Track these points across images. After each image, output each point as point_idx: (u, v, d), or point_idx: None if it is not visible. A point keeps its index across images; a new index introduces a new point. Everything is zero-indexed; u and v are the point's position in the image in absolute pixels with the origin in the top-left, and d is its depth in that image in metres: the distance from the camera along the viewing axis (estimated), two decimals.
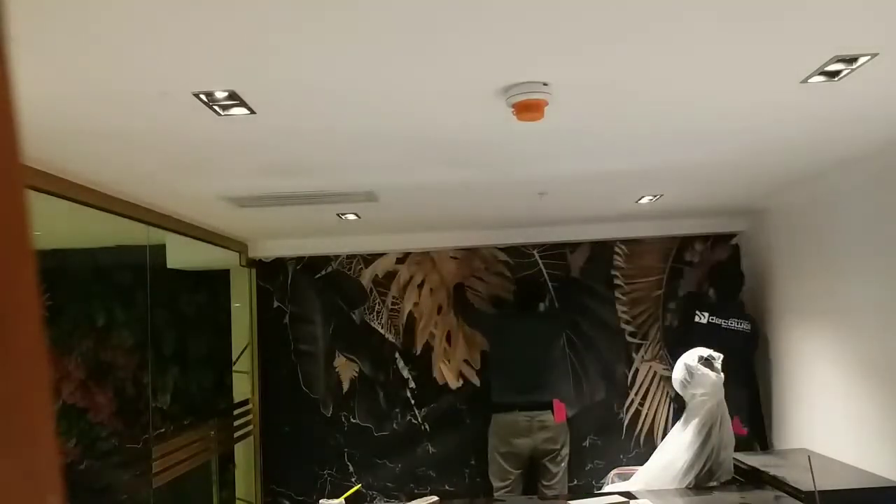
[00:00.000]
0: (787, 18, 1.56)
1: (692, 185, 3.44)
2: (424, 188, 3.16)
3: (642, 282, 4.64)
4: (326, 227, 4.07)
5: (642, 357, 4.60)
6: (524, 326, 4.29)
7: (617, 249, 4.65)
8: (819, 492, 2.39)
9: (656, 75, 1.87)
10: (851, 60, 1.82)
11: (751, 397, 4.18)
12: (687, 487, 2.88)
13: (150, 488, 3.35)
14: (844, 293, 3.30)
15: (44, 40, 1.46)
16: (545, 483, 4.09)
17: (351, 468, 4.55)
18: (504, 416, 4.09)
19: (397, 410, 4.59)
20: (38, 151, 2.22)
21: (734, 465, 3.02)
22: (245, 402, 4.60)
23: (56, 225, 2.90)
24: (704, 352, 3.00)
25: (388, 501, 4.37)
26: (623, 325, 4.62)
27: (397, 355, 4.64)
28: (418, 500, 2.93)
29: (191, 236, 3.75)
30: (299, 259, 4.65)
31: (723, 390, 2.96)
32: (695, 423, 2.93)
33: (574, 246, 4.62)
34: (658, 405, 4.56)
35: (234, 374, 4.67)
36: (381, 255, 4.66)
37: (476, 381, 4.60)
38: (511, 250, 4.64)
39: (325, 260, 4.66)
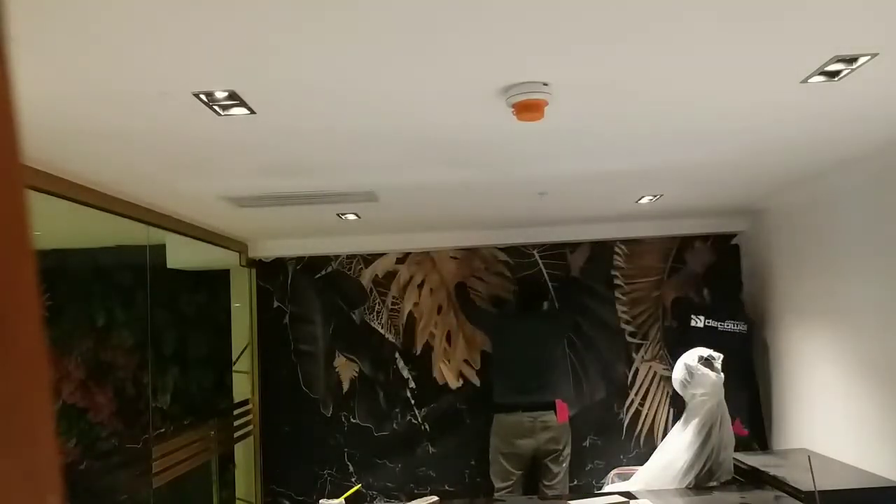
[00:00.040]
0: (787, 18, 1.56)
1: (692, 185, 3.44)
2: (424, 188, 3.16)
3: (642, 282, 4.64)
4: (326, 227, 4.07)
5: (642, 357, 4.60)
6: (527, 326, 4.28)
7: (617, 249, 4.65)
8: (819, 492, 2.39)
9: (656, 75, 1.87)
10: (851, 60, 1.82)
11: (751, 398, 4.19)
12: (687, 487, 2.88)
13: (150, 488, 3.35)
14: (844, 293, 3.30)
15: (44, 40, 1.46)
16: (546, 483, 4.09)
17: (351, 468, 4.55)
18: (507, 417, 4.08)
19: (397, 410, 4.59)
20: (38, 151, 2.22)
21: (734, 465, 3.02)
22: (245, 402, 4.60)
23: (56, 225, 2.90)
24: (704, 352, 3.00)
25: (388, 501, 4.37)
26: (623, 325, 4.62)
27: (397, 355, 4.64)
28: (418, 500, 2.93)
29: (191, 236, 3.75)
30: (299, 259, 4.65)
31: (723, 390, 2.96)
32: (695, 423, 2.93)
33: (574, 246, 4.62)
34: (658, 405, 4.56)
35: (234, 374, 4.67)
36: (381, 255, 4.66)
37: (476, 381, 4.60)
38: (511, 250, 4.64)
39: (325, 260, 4.66)
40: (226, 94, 1.81)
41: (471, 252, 4.65)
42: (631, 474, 3.36)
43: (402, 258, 4.67)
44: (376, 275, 4.67)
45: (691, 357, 3.01)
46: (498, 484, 4.10)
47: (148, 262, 3.53)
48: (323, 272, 4.67)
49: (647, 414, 4.56)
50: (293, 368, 4.62)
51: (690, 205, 4.02)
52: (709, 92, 2.05)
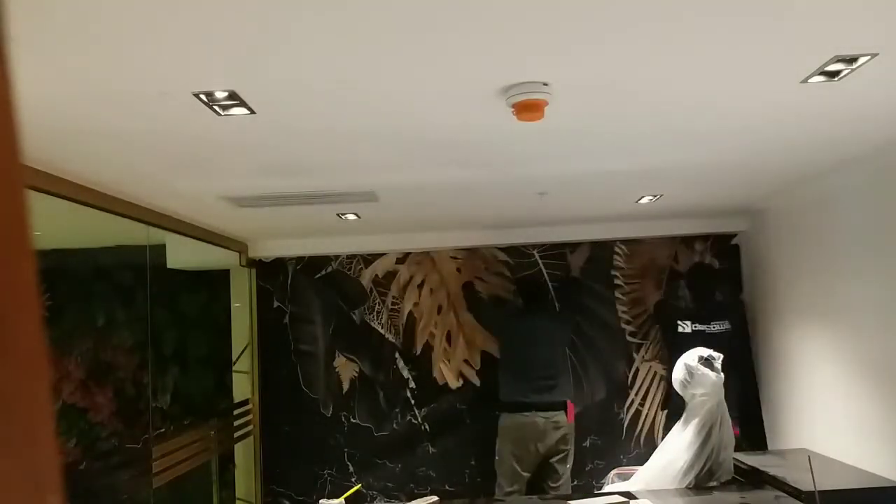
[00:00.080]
0: (787, 18, 1.56)
1: (692, 185, 3.44)
2: (424, 188, 3.16)
3: (643, 282, 4.64)
4: (326, 227, 4.07)
5: (643, 357, 4.60)
6: (534, 325, 4.26)
7: (617, 249, 4.65)
8: (819, 492, 2.39)
9: (656, 75, 1.88)
10: (851, 60, 1.82)
11: (746, 398, 4.18)
12: (687, 487, 2.88)
13: (150, 488, 3.35)
14: (844, 293, 3.30)
15: (44, 40, 1.46)
16: (552, 484, 4.06)
17: (351, 468, 4.55)
18: (520, 418, 4.02)
19: (397, 410, 4.59)
20: (38, 151, 2.22)
21: (734, 465, 3.02)
22: (245, 402, 4.60)
23: (56, 225, 2.90)
24: (704, 352, 3.00)
25: (388, 501, 4.37)
26: (623, 325, 4.62)
27: (397, 355, 4.64)
28: (418, 500, 2.93)
29: (191, 236, 3.75)
30: (299, 259, 4.65)
31: (723, 390, 2.96)
32: (695, 423, 2.93)
33: (574, 246, 4.62)
34: (658, 405, 4.56)
35: (234, 374, 4.67)
36: (381, 255, 4.66)
37: (476, 381, 4.60)
38: (511, 250, 4.64)
39: (325, 260, 4.66)
40: (226, 94, 1.81)
41: (471, 252, 4.65)
42: (631, 474, 3.36)
43: (402, 258, 4.67)
44: (376, 275, 4.67)
45: (691, 357, 3.01)
46: (506, 487, 4.03)
47: (148, 262, 3.53)
48: (323, 272, 4.67)
49: (647, 414, 4.56)
50: (293, 368, 4.62)
51: (690, 205, 4.02)
52: (709, 92, 2.05)
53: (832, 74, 1.91)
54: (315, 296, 4.66)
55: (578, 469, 4.46)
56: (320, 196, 3.15)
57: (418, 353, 4.64)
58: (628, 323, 4.63)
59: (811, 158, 2.99)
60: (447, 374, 4.61)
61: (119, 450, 3.37)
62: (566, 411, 4.11)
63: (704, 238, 4.61)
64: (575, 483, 4.39)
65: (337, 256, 4.65)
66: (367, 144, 2.42)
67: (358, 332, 4.65)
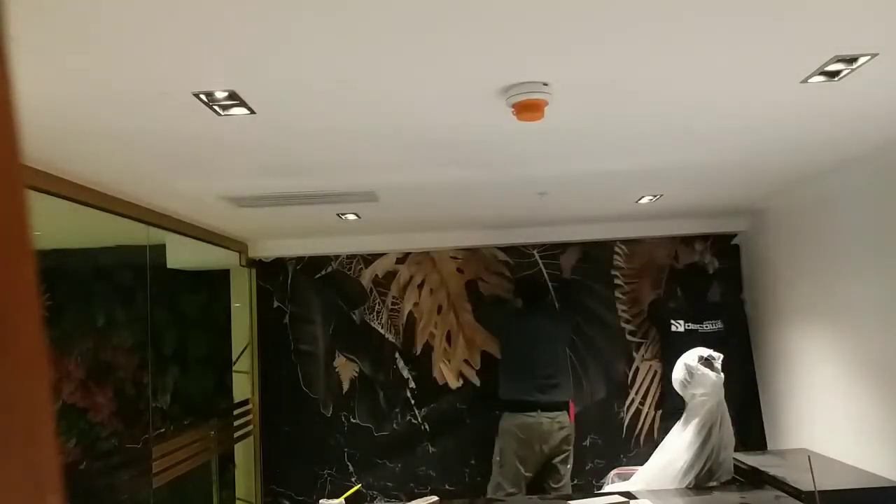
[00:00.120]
0: (787, 18, 1.56)
1: (692, 185, 3.44)
2: (424, 188, 3.16)
3: (642, 282, 4.64)
4: (326, 227, 4.07)
5: (643, 356, 4.60)
6: (535, 325, 4.25)
7: (617, 249, 4.65)
8: (819, 492, 2.39)
9: (656, 75, 1.88)
10: (851, 60, 1.82)
11: (743, 397, 4.18)
12: (687, 487, 2.88)
13: (150, 488, 3.35)
14: (844, 293, 3.30)
15: (44, 40, 1.46)
16: (554, 485, 4.04)
17: (351, 468, 4.55)
18: (524, 418, 4.00)
19: (397, 410, 4.59)
20: (38, 151, 2.22)
21: (734, 465, 3.02)
22: (245, 402, 4.60)
23: (56, 225, 2.90)
24: (704, 352, 3.00)
25: (388, 501, 4.37)
26: (623, 325, 4.62)
27: (397, 355, 4.64)
28: (418, 500, 2.93)
29: (191, 236, 3.75)
30: (299, 259, 4.65)
31: (723, 390, 2.96)
32: (695, 423, 2.93)
33: (564, 247, 4.62)
34: (654, 404, 4.56)
35: (234, 374, 4.68)
36: (381, 255, 4.66)
37: (476, 381, 4.60)
38: (511, 250, 4.64)
39: (325, 260, 4.66)
40: (226, 94, 1.81)
41: (471, 252, 4.65)
42: (631, 474, 3.36)
43: (402, 258, 4.67)
44: (376, 275, 4.67)
45: (691, 357, 3.01)
46: (508, 488, 3.99)
47: (148, 262, 3.53)
48: (323, 272, 4.67)
49: (647, 413, 4.56)
50: (293, 368, 4.62)
51: (690, 205, 4.02)
52: (709, 92, 2.05)
53: (832, 74, 1.91)
54: (315, 296, 4.66)
55: (578, 469, 4.46)
56: (320, 196, 3.15)
57: (418, 353, 4.64)
58: (628, 322, 4.63)
59: (811, 158, 2.99)
60: (447, 374, 4.61)
61: (119, 450, 3.37)
62: (568, 411, 4.11)
63: (704, 238, 4.61)
64: (575, 483, 4.39)
65: (337, 256, 4.65)
66: (367, 144, 2.42)
67: (358, 332, 4.65)
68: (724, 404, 2.97)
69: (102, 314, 3.42)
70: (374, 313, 4.66)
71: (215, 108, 1.90)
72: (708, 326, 4.22)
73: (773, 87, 2.01)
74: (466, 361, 4.63)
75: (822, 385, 3.60)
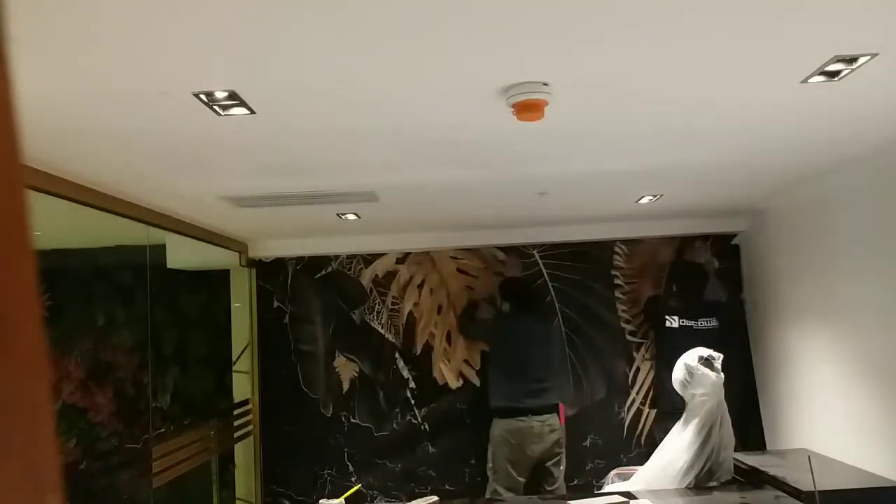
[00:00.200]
0: (787, 18, 1.56)
1: (692, 185, 3.44)
2: (424, 188, 3.16)
3: (642, 281, 4.64)
4: (326, 227, 4.07)
5: (643, 356, 4.60)
6: (524, 328, 4.24)
7: (617, 249, 4.65)
8: (819, 492, 2.39)
9: (656, 75, 1.88)
10: (851, 60, 1.82)
11: (742, 398, 4.18)
12: (687, 487, 2.88)
13: (150, 488, 3.35)
14: (844, 293, 3.30)
15: (44, 40, 1.46)
16: (548, 488, 4.02)
17: (351, 468, 4.55)
18: (514, 423, 3.98)
19: (397, 410, 4.59)
20: (38, 151, 2.22)
21: (734, 465, 3.02)
22: (245, 402, 4.60)
23: (56, 225, 2.90)
24: (704, 352, 3.00)
25: (388, 501, 4.37)
26: (623, 325, 4.62)
27: (397, 355, 4.64)
28: (418, 500, 2.93)
29: (191, 236, 3.75)
30: (299, 259, 4.65)
31: (723, 390, 2.96)
32: (695, 423, 2.93)
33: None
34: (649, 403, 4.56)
35: (234, 374, 4.68)
36: (381, 255, 4.66)
37: (476, 381, 4.59)
38: (511, 250, 4.64)
39: (325, 260, 4.66)
40: (226, 94, 1.81)
41: (471, 252, 4.66)
42: (631, 474, 3.36)
43: (402, 258, 4.67)
44: (376, 275, 4.67)
45: (691, 357, 3.00)
46: (504, 493, 3.96)
47: (148, 262, 3.53)
48: (323, 272, 4.67)
49: (647, 413, 4.56)
50: (293, 368, 4.62)
51: (690, 205, 4.02)
52: (709, 92, 2.05)
53: (832, 74, 1.91)
54: (315, 296, 4.66)
55: (578, 469, 4.46)
56: (320, 196, 3.15)
57: (418, 353, 4.64)
58: (628, 322, 4.63)
59: (811, 158, 2.99)
60: (447, 374, 4.61)
61: (119, 450, 3.37)
62: (559, 413, 4.09)
63: (704, 238, 4.61)
64: (575, 483, 4.40)
65: (337, 256, 4.65)
66: (367, 144, 2.42)
67: (358, 332, 4.65)
68: (724, 404, 2.97)
69: (102, 314, 3.42)
70: (374, 313, 4.66)
71: (215, 108, 1.90)
72: (703, 323, 4.22)
73: (773, 87, 2.01)
74: (466, 361, 4.63)
75: (822, 385, 3.60)
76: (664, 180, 3.29)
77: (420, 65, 1.71)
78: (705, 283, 4.50)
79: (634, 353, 4.60)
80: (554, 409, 4.08)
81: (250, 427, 4.58)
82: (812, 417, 3.73)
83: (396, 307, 4.67)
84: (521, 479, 3.99)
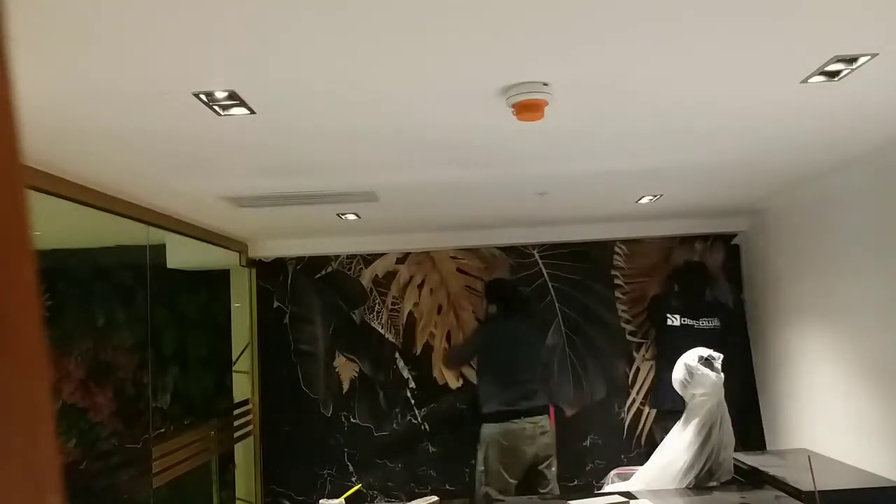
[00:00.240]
0: (787, 18, 1.56)
1: (692, 185, 3.44)
2: (424, 188, 3.16)
3: (642, 281, 4.65)
4: (326, 227, 4.07)
5: (643, 356, 4.60)
6: (512, 329, 4.17)
7: (617, 249, 4.65)
8: (819, 492, 2.39)
9: (656, 75, 1.88)
10: (851, 60, 1.82)
11: (743, 398, 4.18)
12: (687, 487, 2.88)
13: (150, 488, 3.35)
14: (844, 293, 3.30)
15: (44, 40, 1.46)
16: (542, 491, 3.99)
17: (351, 468, 4.55)
18: (506, 425, 3.94)
19: (397, 410, 4.59)
20: (38, 151, 2.22)
21: (734, 465, 3.02)
22: (245, 402, 4.60)
23: (56, 225, 2.90)
24: (704, 352, 3.00)
25: (388, 501, 4.37)
26: (623, 325, 4.63)
27: (397, 355, 4.64)
28: (418, 500, 2.93)
29: (191, 236, 3.75)
30: (299, 259, 4.65)
31: (723, 390, 2.95)
32: (695, 423, 2.93)
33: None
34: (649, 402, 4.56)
35: (234, 374, 4.68)
36: (381, 255, 4.66)
37: (476, 380, 4.59)
38: (511, 250, 4.64)
39: (325, 260, 4.66)
40: (226, 94, 1.81)
41: (471, 252, 4.66)
42: (631, 474, 3.36)
43: (402, 258, 4.67)
44: (376, 275, 4.67)
45: (691, 357, 3.00)
46: (495, 496, 3.90)
47: (148, 262, 3.53)
48: (323, 272, 4.67)
49: (648, 413, 4.56)
50: (293, 368, 4.62)
51: (690, 205, 4.02)
52: (709, 92, 2.05)
53: (832, 74, 1.91)
54: (315, 296, 4.66)
55: (578, 469, 4.47)
56: (320, 196, 3.15)
57: (418, 353, 4.64)
58: (628, 322, 4.63)
59: (811, 158, 2.99)
60: (447, 374, 4.61)
61: (119, 450, 3.37)
62: (549, 415, 4.07)
63: (704, 238, 4.61)
64: (575, 483, 4.40)
65: (337, 256, 4.65)
66: (367, 144, 2.42)
67: (358, 332, 4.65)
68: (724, 404, 2.97)
69: (102, 314, 3.42)
70: (374, 313, 4.66)
71: (215, 108, 1.90)
72: (704, 323, 4.22)
73: (773, 87, 2.01)
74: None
75: (822, 385, 3.60)
76: (664, 180, 3.29)
77: (420, 65, 1.71)
78: (707, 283, 4.50)
79: (634, 353, 4.60)
80: (545, 409, 4.05)
81: (250, 427, 4.58)
82: (812, 417, 3.73)
83: (396, 307, 4.67)
84: (513, 482, 3.96)
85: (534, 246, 4.63)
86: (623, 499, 2.77)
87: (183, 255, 4.05)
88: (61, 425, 3.02)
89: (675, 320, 4.27)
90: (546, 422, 4.02)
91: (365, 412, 4.60)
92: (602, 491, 3.24)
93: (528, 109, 1.92)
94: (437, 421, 4.57)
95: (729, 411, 2.97)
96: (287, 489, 4.53)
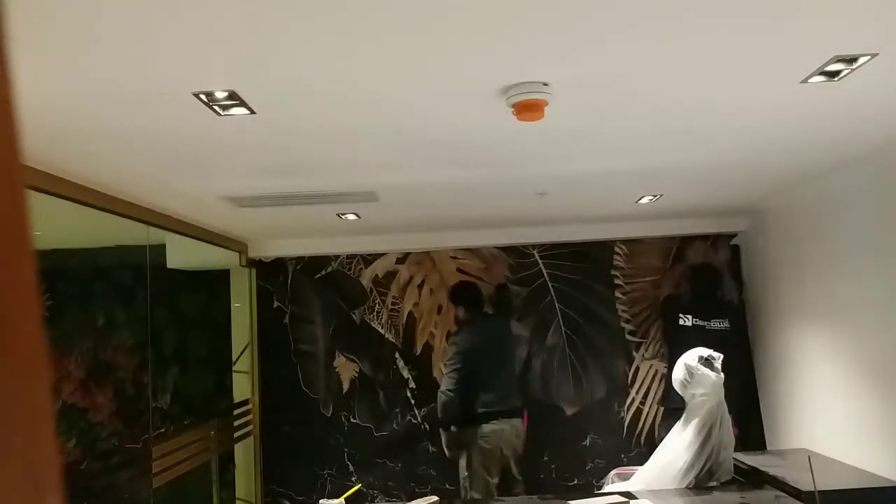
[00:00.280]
0: (787, 18, 1.56)
1: (692, 185, 3.44)
2: (424, 188, 3.16)
3: (642, 281, 4.65)
4: (326, 227, 4.07)
5: (643, 356, 4.60)
6: (484, 332, 4.12)
7: (617, 249, 4.65)
8: (819, 492, 2.39)
9: (656, 75, 1.87)
10: (851, 60, 1.82)
11: (746, 397, 4.18)
12: (687, 487, 2.88)
13: (150, 488, 3.35)
14: (844, 293, 3.30)
15: (44, 40, 1.46)
16: (517, 491, 3.97)
17: (351, 468, 4.55)
18: (488, 427, 3.92)
19: (397, 410, 4.59)
20: (38, 151, 2.22)
21: (734, 465, 3.02)
22: (245, 402, 4.60)
23: (56, 225, 2.90)
24: (704, 352, 3.00)
25: (388, 501, 4.37)
26: (623, 325, 4.63)
27: (397, 355, 4.64)
28: (418, 499, 2.93)
29: (191, 236, 3.75)
30: (299, 259, 4.66)
31: (723, 390, 2.95)
32: (695, 423, 2.93)
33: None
34: (657, 402, 4.56)
35: (234, 374, 4.68)
36: (381, 255, 4.66)
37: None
38: (511, 250, 4.64)
39: (325, 260, 4.66)
40: (226, 94, 1.81)
41: (471, 252, 4.66)
42: (631, 474, 3.36)
43: (402, 258, 4.67)
44: (376, 275, 4.67)
45: (691, 357, 3.00)
46: (477, 497, 3.88)
47: (148, 262, 3.53)
48: (323, 272, 4.67)
49: (647, 413, 4.56)
50: (293, 368, 4.62)
51: (690, 205, 4.02)
52: (709, 92, 2.05)
53: (832, 74, 1.91)
54: (315, 296, 4.66)
55: (578, 469, 4.47)
56: (320, 196, 3.15)
57: (418, 353, 4.64)
58: (628, 322, 4.63)
59: (811, 158, 2.99)
60: None
61: (119, 450, 3.37)
62: (522, 417, 4.05)
63: (704, 238, 4.61)
64: (575, 483, 4.40)
65: (337, 256, 4.65)
66: (367, 144, 2.42)
67: (358, 332, 4.65)
68: (724, 404, 2.97)
69: (102, 314, 3.42)
70: (374, 313, 4.66)
71: (215, 108, 1.90)
72: (715, 324, 4.23)
73: (773, 87, 2.01)
74: None
75: (822, 385, 3.60)
76: (664, 180, 3.29)
77: (420, 65, 1.71)
78: (719, 284, 4.51)
79: (634, 353, 4.61)
80: (519, 412, 4.03)
81: (250, 427, 4.58)
82: (812, 417, 3.73)
83: (396, 307, 4.67)
84: (494, 481, 3.94)
85: (534, 246, 4.63)
86: (623, 499, 2.77)
87: (183, 255, 4.05)
88: (61, 425, 3.02)
89: (687, 320, 4.27)
90: (520, 423, 4.01)
91: (365, 412, 4.60)
92: (602, 491, 3.24)
93: (528, 109, 1.92)
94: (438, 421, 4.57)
95: (729, 411, 2.97)
96: (287, 489, 4.53)
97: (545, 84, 1.87)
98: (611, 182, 3.26)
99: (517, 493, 3.93)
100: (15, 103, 0.35)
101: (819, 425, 3.64)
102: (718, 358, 2.98)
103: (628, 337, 4.62)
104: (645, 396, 4.58)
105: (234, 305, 4.71)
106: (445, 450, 4.10)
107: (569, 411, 4.55)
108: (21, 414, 0.34)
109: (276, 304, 4.66)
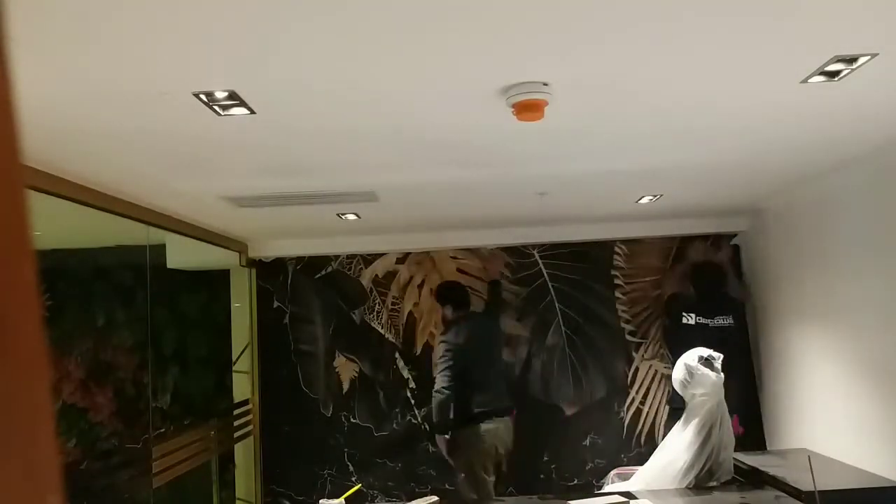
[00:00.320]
0: (787, 18, 1.56)
1: (692, 185, 3.44)
2: (424, 188, 3.16)
3: (642, 281, 4.65)
4: (326, 227, 4.07)
5: (643, 356, 4.60)
6: (473, 331, 4.08)
7: (617, 249, 4.65)
8: (819, 492, 2.39)
9: (656, 75, 1.87)
10: (851, 60, 1.82)
11: (748, 395, 4.18)
12: (687, 487, 2.88)
13: (150, 488, 3.36)
14: (844, 293, 3.30)
15: (44, 40, 1.46)
16: (509, 486, 3.98)
17: (351, 468, 4.55)
18: (481, 426, 3.90)
19: (397, 410, 4.59)
20: (38, 151, 2.22)
21: (734, 465, 3.02)
22: (245, 402, 4.60)
23: (56, 225, 2.90)
24: (704, 352, 3.00)
25: (388, 501, 4.37)
26: (623, 325, 4.63)
27: (397, 355, 4.64)
28: (418, 500, 2.93)
29: (191, 236, 3.75)
30: (299, 259, 4.66)
31: (723, 390, 2.95)
32: (695, 423, 2.93)
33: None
34: (659, 404, 4.56)
35: (234, 374, 4.68)
36: (381, 255, 4.66)
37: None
38: (511, 250, 4.64)
39: (325, 260, 4.66)
40: (226, 94, 1.81)
41: (471, 252, 4.66)
42: (631, 474, 3.36)
43: (402, 258, 4.67)
44: (376, 275, 4.67)
45: (691, 357, 3.00)
46: (474, 497, 3.87)
47: (148, 262, 3.53)
48: (323, 272, 4.67)
49: (647, 413, 4.56)
50: (293, 368, 4.62)
51: (690, 205, 4.02)
52: (709, 92, 2.05)
53: (832, 74, 1.91)
54: (315, 296, 4.66)
55: (578, 469, 4.47)
56: (320, 196, 3.15)
57: (418, 353, 4.64)
58: (628, 322, 4.63)
59: (811, 158, 2.99)
60: None
61: (119, 450, 3.37)
62: (510, 416, 4.04)
63: (704, 238, 4.61)
64: (575, 482, 4.40)
65: (337, 256, 4.66)
66: (367, 144, 2.42)
67: (358, 332, 4.65)
68: (724, 404, 2.97)
69: (102, 314, 3.42)
70: (374, 313, 4.66)
71: (215, 108, 1.90)
72: (719, 321, 4.23)
73: (773, 87, 2.01)
74: None
75: (822, 385, 3.60)
76: (664, 180, 3.29)
77: (420, 65, 1.71)
78: (724, 282, 4.51)
79: (634, 353, 4.61)
80: (508, 412, 4.02)
81: (250, 427, 4.58)
82: (812, 417, 3.73)
83: (396, 307, 4.67)
84: (492, 479, 3.93)
85: (534, 246, 4.63)
86: (623, 499, 2.77)
87: (183, 255, 4.05)
88: (61, 425, 3.02)
89: (690, 319, 4.27)
90: (510, 420, 4.01)
91: (365, 412, 4.60)
92: (602, 491, 3.24)
93: (528, 109, 1.92)
94: None
95: (729, 411, 2.97)
96: (287, 489, 4.53)
97: (545, 84, 1.87)
98: (611, 182, 3.26)
99: (509, 488, 3.92)
100: (15, 103, 0.35)
101: (819, 425, 3.64)
102: (718, 358, 2.98)
103: (628, 337, 4.62)
104: (645, 396, 4.58)
105: (234, 305, 4.71)
106: (447, 457, 4.09)
107: (569, 411, 4.55)
108: (21, 414, 0.34)
109: (276, 304, 4.66)
